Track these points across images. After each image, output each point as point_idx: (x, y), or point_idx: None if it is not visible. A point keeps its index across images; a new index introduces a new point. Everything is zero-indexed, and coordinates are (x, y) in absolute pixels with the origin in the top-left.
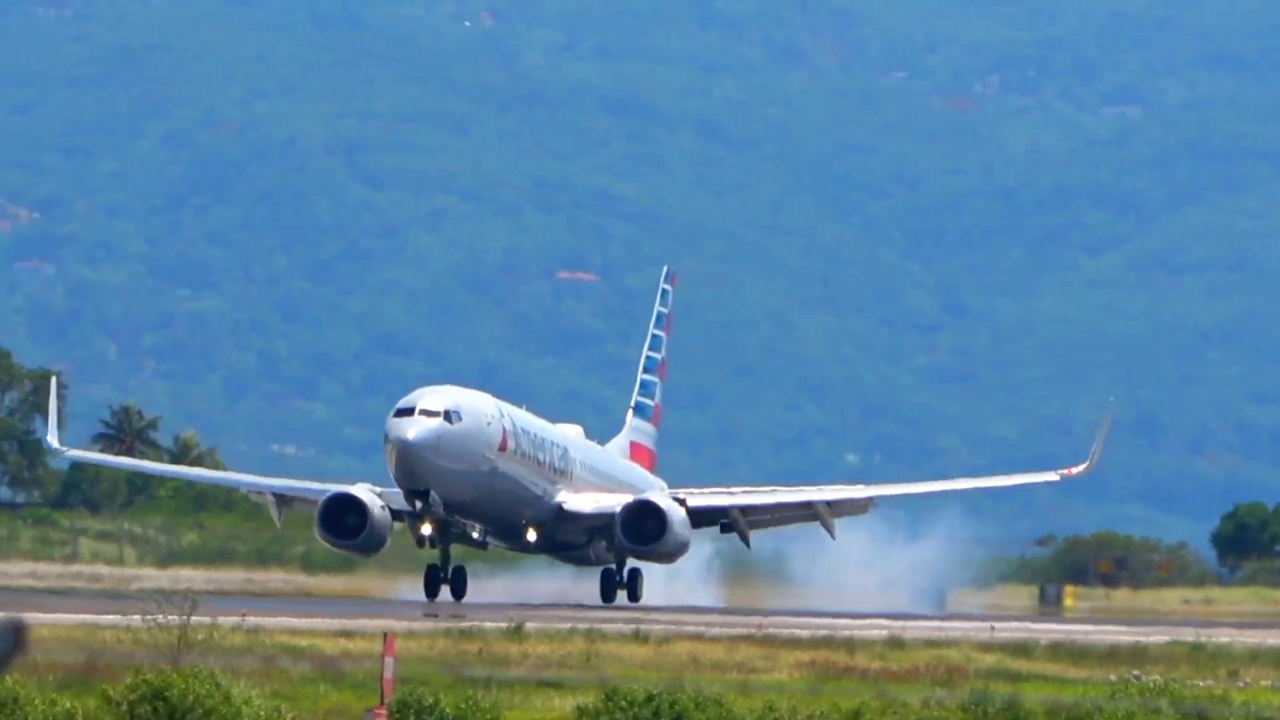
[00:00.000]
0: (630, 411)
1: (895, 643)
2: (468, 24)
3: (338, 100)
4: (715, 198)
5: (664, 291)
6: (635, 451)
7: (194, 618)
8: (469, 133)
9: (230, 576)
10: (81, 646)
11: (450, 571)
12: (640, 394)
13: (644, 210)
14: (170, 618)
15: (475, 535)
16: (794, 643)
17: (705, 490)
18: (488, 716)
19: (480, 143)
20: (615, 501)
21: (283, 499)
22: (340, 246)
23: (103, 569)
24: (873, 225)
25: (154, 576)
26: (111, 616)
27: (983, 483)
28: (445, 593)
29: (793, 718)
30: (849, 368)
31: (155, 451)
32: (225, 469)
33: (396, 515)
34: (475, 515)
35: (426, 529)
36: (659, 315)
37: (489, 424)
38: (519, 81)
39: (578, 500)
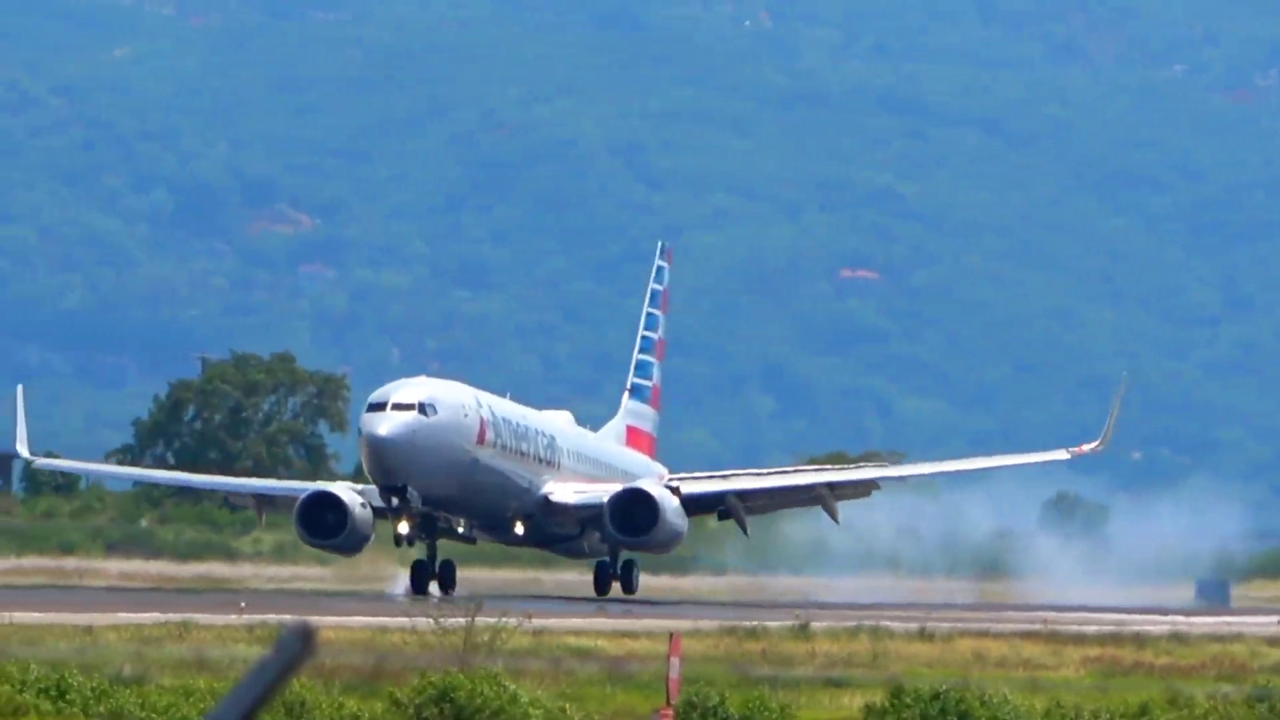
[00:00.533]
0: (625, 394)
1: (1179, 638)
2: (747, 23)
3: (617, 101)
4: (996, 194)
5: (659, 268)
6: (632, 436)
7: (479, 619)
8: (749, 132)
9: (513, 576)
10: (369, 649)
11: (438, 565)
12: (636, 375)
13: (925, 208)
14: (456, 620)
15: (460, 530)
16: (1080, 639)
17: (700, 475)
18: (774, 716)
19: (760, 142)
20: (604, 491)
21: (264, 500)
22: (621, 247)
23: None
24: (1153, 219)
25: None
26: (398, 619)
27: (991, 462)
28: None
29: (1078, 715)
30: (1131, 362)
31: None
32: None
33: (381, 513)
34: (457, 510)
35: (404, 527)
36: (654, 293)
37: (466, 415)
38: (798, 80)
39: (565, 490)
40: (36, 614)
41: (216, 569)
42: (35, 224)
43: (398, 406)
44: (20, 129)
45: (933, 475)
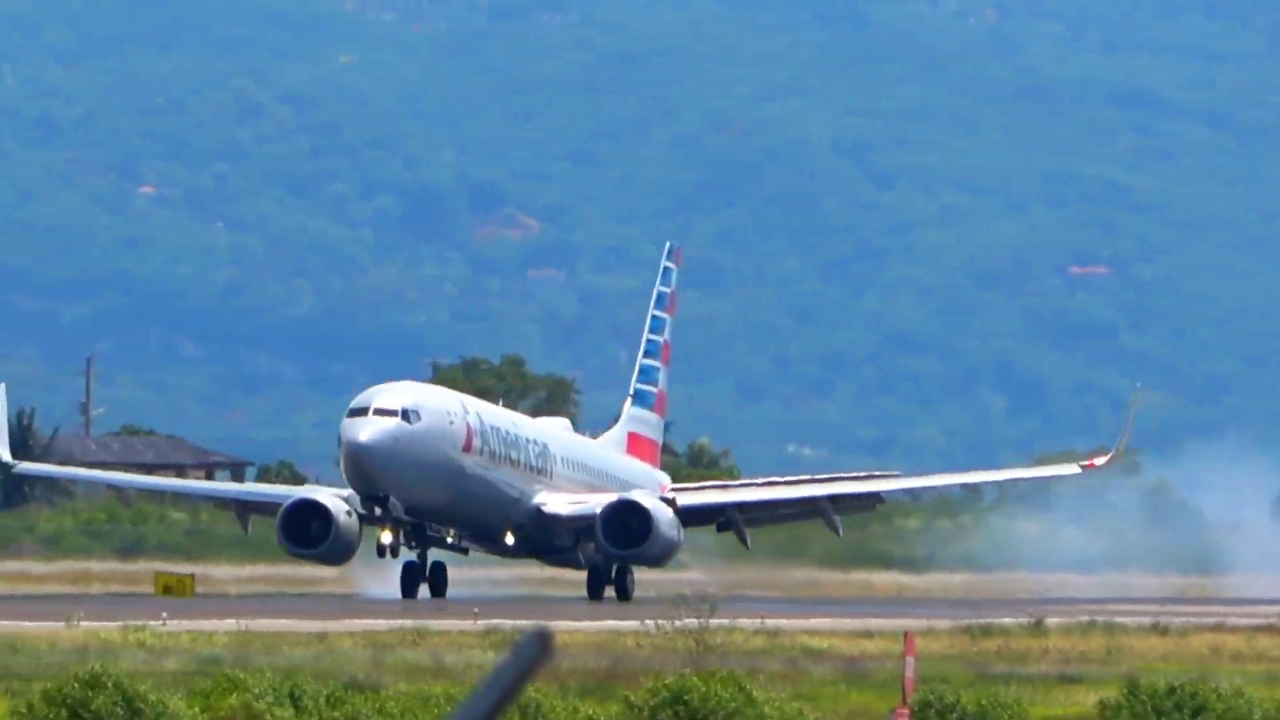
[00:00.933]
0: (628, 400)
1: None
2: (972, 20)
3: (844, 99)
4: (1224, 187)
5: (665, 270)
6: (635, 443)
7: (713, 620)
8: (977, 129)
9: (744, 577)
10: (603, 652)
11: (429, 568)
12: (640, 381)
13: (1153, 202)
14: (689, 621)
15: (450, 540)
16: None
17: (698, 486)
18: (1009, 713)
19: (988, 139)
20: (598, 501)
21: (247, 506)
22: (851, 246)
23: None
24: None
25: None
26: (632, 622)
27: (999, 475)
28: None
29: None
30: None
31: (669, 457)
32: (738, 474)
33: (369, 521)
34: (443, 520)
35: (387, 537)
36: (660, 295)
37: (451, 422)
38: (1025, 76)
39: (558, 501)
40: (272, 620)
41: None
42: (263, 232)
43: (380, 412)
44: (248, 137)
45: (944, 487)
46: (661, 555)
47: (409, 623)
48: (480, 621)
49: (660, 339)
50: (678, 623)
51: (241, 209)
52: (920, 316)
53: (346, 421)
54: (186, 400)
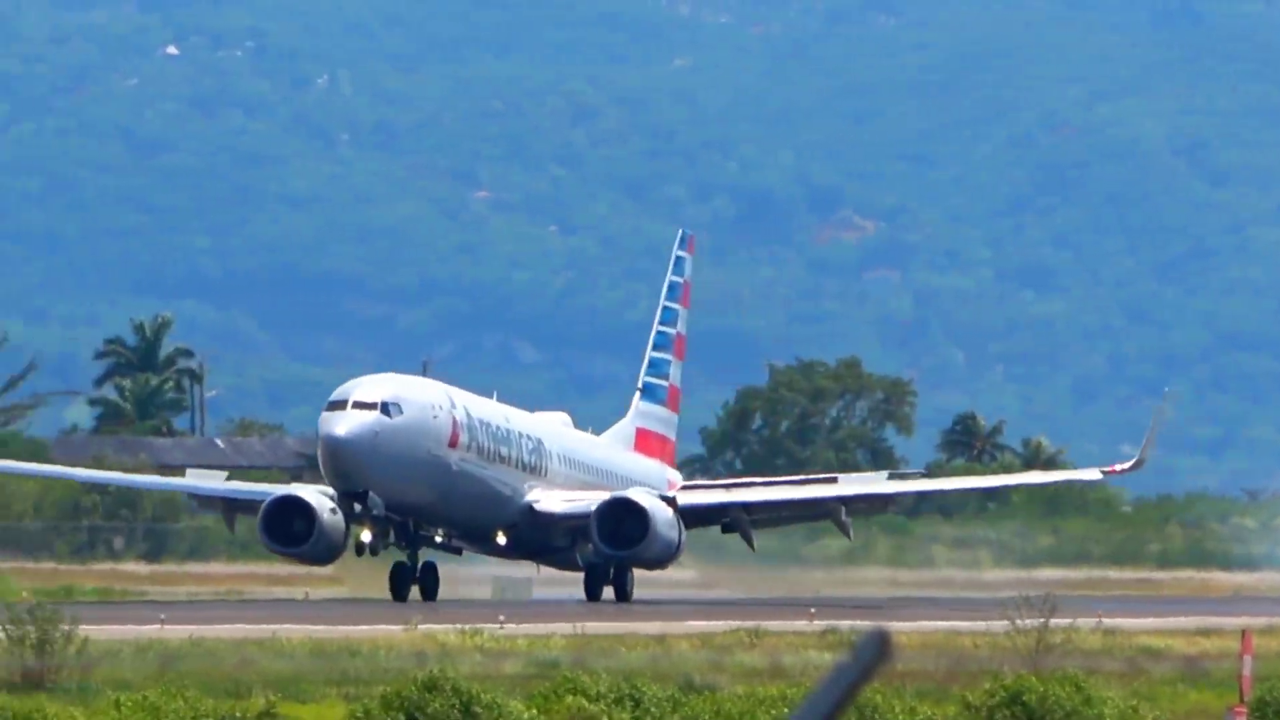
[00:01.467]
0: (637, 394)
1: None
2: None
3: (1180, 98)
4: None
5: (678, 259)
6: (643, 439)
7: (1052, 620)
8: None
9: (1081, 576)
10: (941, 653)
11: (420, 569)
12: (649, 374)
13: None
14: (1029, 621)
15: (440, 540)
16: None
17: (703, 485)
18: None
19: None
20: (593, 499)
21: (233, 504)
22: (1186, 245)
23: (957, 574)
24: None
25: (1009, 581)
26: (970, 623)
27: (1019, 479)
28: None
29: None
30: None
31: (1006, 456)
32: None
33: (351, 519)
34: (428, 518)
35: (366, 535)
36: (672, 285)
37: (435, 417)
38: None
39: (553, 499)
40: (608, 624)
41: None
42: (598, 235)
43: (358, 405)
44: (582, 140)
45: (951, 490)
46: (660, 556)
47: (746, 624)
48: (817, 622)
49: (672, 331)
50: (1018, 622)
51: (576, 213)
52: (1255, 315)
53: (324, 415)
54: (523, 403)
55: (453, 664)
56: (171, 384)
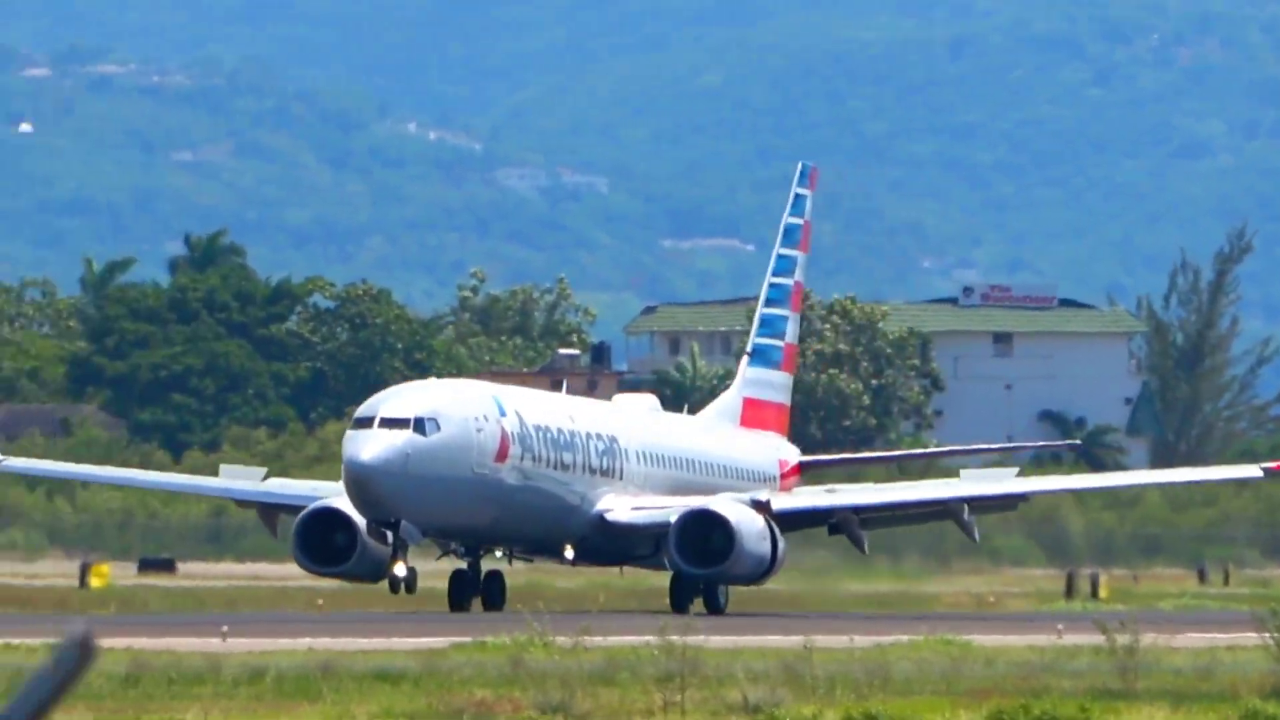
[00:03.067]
0: (744, 359)
1: None
2: None
3: None
4: None
5: (797, 197)
6: (752, 411)
7: None
8: None
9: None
10: None
11: (484, 576)
12: (760, 334)
13: None
14: None
15: (499, 554)
16: None
17: (824, 460)
18: None
19: None
20: (673, 506)
21: (270, 509)
22: None
23: None
24: None
25: None
26: None
27: (1173, 475)
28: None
29: None
30: None
31: None
32: None
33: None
34: (477, 540)
35: (399, 569)
36: (789, 229)
37: (480, 429)
38: None
39: (626, 505)
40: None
41: None
42: None
43: (387, 423)
44: None
45: (1089, 488)
46: (750, 573)
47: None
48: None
49: (789, 281)
50: None
51: None
52: None
53: (348, 434)
54: None
55: None
56: None
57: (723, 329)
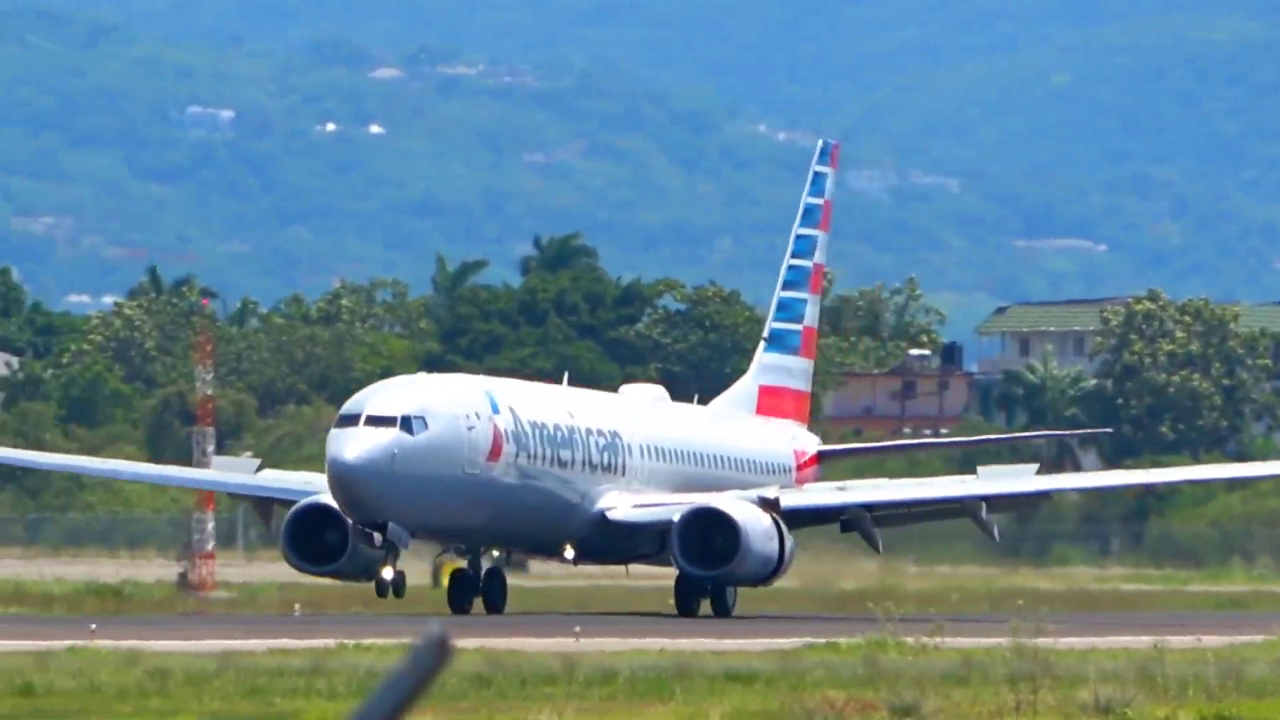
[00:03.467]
0: (761, 345)
1: None
2: None
3: None
4: None
5: (817, 175)
6: (769, 399)
7: None
8: None
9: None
10: None
11: (485, 575)
12: (778, 318)
13: None
14: None
15: (496, 554)
16: None
17: (845, 449)
18: None
19: None
20: (676, 503)
21: (265, 504)
22: None
23: None
24: None
25: None
26: None
27: (1217, 471)
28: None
29: None
30: None
31: None
32: None
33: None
34: (471, 541)
35: (387, 573)
36: (809, 209)
37: (471, 427)
38: None
39: (628, 503)
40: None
41: None
42: None
43: (373, 420)
44: None
45: (1117, 486)
46: (757, 574)
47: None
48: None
49: (808, 263)
50: None
51: None
52: None
53: (333, 432)
54: None
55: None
56: None
57: (1075, 329)
